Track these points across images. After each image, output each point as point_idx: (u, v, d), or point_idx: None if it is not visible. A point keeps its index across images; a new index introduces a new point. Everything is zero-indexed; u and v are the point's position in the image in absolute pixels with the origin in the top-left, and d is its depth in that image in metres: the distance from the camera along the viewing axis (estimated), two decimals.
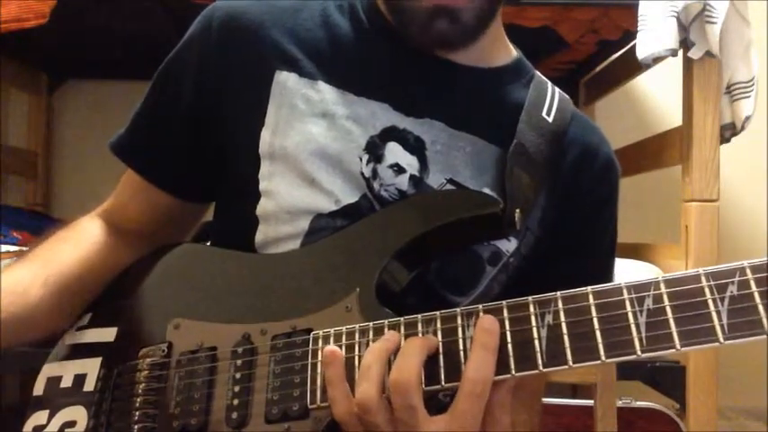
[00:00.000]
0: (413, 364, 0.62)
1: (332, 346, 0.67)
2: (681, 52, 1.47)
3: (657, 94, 2.23)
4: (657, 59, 1.46)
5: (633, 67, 1.65)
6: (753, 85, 1.47)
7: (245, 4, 0.85)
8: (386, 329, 0.67)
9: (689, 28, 1.43)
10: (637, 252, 1.74)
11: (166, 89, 0.88)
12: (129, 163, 0.90)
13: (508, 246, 0.82)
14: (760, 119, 1.72)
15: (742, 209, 2.16)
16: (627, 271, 1.55)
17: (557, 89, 0.89)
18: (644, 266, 1.64)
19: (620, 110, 2.23)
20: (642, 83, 2.19)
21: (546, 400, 1.58)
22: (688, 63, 1.50)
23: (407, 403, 0.62)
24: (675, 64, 1.54)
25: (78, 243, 0.89)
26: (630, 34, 1.59)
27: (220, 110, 0.84)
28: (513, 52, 0.91)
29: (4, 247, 1.52)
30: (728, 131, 1.50)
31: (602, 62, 2.06)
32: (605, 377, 1.24)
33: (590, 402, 1.30)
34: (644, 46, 1.45)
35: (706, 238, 1.45)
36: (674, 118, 1.69)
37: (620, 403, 1.51)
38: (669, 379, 1.50)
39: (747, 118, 1.47)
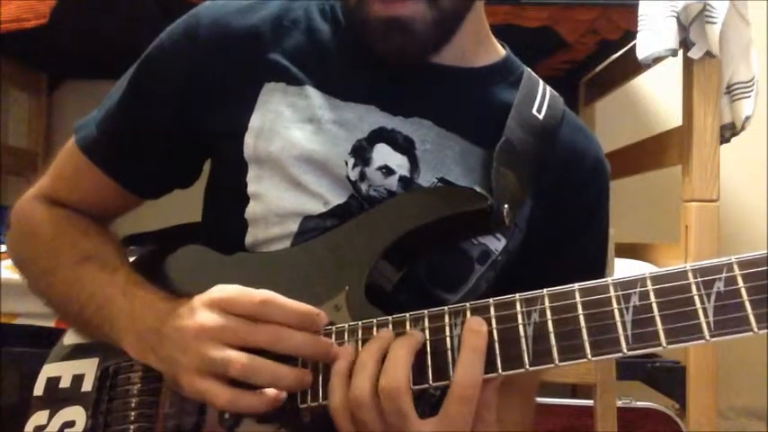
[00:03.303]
0: (401, 370, 0.63)
1: (349, 345, 0.68)
2: (681, 52, 1.47)
3: (657, 94, 2.23)
4: (657, 59, 1.45)
5: (633, 67, 1.65)
6: (753, 85, 1.47)
7: (230, 9, 0.84)
8: (375, 329, 0.68)
9: (689, 28, 1.43)
10: (636, 252, 1.73)
11: (146, 91, 0.85)
12: (102, 166, 0.87)
13: (497, 245, 0.81)
14: (760, 119, 1.72)
15: (742, 209, 2.16)
16: (627, 271, 1.55)
17: (548, 87, 0.89)
18: (644, 267, 1.64)
19: (620, 110, 2.23)
20: (642, 83, 2.19)
21: (546, 400, 1.59)
22: (688, 63, 1.49)
23: (397, 407, 0.63)
24: (675, 64, 1.54)
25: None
26: (630, 34, 1.59)
27: (205, 115, 0.83)
28: (501, 51, 0.90)
29: (4, 248, 1.52)
30: (728, 131, 1.50)
31: (602, 62, 2.06)
32: (605, 377, 1.23)
33: (590, 402, 1.30)
34: (644, 46, 1.45)
35: (706, 238, 1.45)
36: (674, 118, 1.69)
37: (620, 403, 1.51)
38: (669, 379, 1.50)
39: (747, 118, 1.47)
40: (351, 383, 0.65)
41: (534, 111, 0.84)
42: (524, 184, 0.81)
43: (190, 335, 0.68)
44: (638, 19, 1.47)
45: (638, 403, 1.62)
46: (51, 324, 1.49)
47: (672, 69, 1.63)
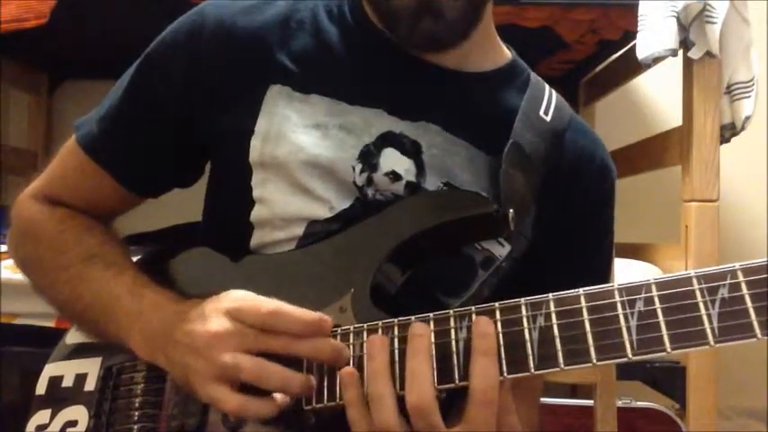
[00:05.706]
0: (425, 384, 0.63)
1: (350, 368, 0.66)
2: (681, 52, 1.47)
3: (657, 94, 2.23)
4: (657, 59, 1.45)
5: (633, 67, 1.65)
6: (753, 85, 1.48)
7: (236, 9, 0.83)
8: (379, 331, 0.67)
9: (689, 28, 1.43)
10: (637, 252, 1.73)
11: (147, 89, 0.84)
12: (102, 164, 0.86)
13: (502, 251, 0.81)
14: (760, 119, 1.72)
15: (742, 209, 2.16)
16: (627, 271, 1.55)
17: (553, 91, 0.88)
18: (644, 266, 1.64)
19: (620, 110, 2.23)
20: (642, 83, 2.19)
21: (546, 400, 1.59)
22: (688, 63, 1.50)
23: (428, 422, 0.62)
24: (675, 64, 1.54)
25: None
26: (630, 34, 1.59)
27: (209, 116, 0.82)
28: (507, 54, 0.89)
29: (4, 248, 1.52)
30: (728, 131, 1.50)
31: (602, 62, 2.06)
32: (605, 377, 1.24)
33: (590, 402, 1.30)
34: (644, 46, 1.46)
35: (706, 238, 1.45)
36: (674, 118, 1.69)
37: (620, 403, 1.51)
38: (669, 379, 1.50)
39: (747, 118, 1.47)
40: (373, 416, 0.64)
41: (542, 113, 0.83)
42: (532, 186, 0.81)
43: (201, 341, 0.68)
44: (638, 19, 1.47)
45: (638, 403, 1.62)
46: (51, 324, 1.49)
47: (672, 69, 1.63)
